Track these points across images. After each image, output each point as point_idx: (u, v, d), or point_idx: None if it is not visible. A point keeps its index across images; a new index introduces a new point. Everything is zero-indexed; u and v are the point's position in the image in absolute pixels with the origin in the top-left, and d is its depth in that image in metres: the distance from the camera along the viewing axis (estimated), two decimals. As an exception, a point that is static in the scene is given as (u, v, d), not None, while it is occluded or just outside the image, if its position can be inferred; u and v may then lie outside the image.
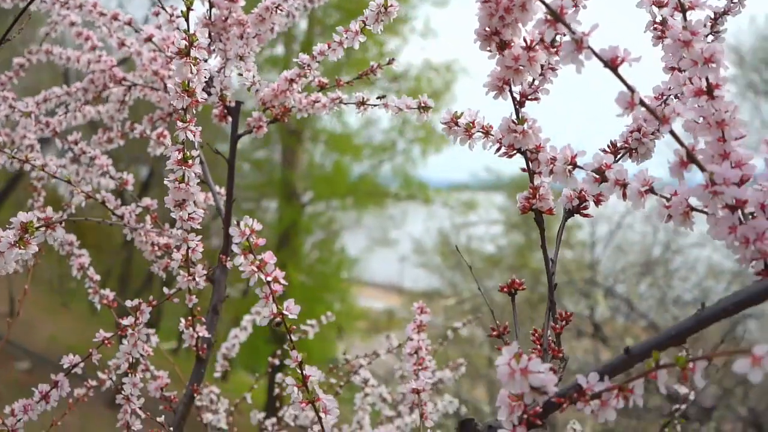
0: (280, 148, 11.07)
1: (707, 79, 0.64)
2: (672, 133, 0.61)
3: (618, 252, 7.68)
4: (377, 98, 1.08)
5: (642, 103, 0.60)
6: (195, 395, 1.16)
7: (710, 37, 0.85)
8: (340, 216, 11.43)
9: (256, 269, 0.75)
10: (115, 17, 1.23)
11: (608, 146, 0.83)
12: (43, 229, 0.80)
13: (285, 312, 0.76)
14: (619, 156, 0.83)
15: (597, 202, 0.81)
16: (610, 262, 7.66)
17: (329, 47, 1.06)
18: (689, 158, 0.62)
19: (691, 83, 0.65)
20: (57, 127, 1.45)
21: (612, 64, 0.61)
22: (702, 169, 0.61)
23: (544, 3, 0.63)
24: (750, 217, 0.63)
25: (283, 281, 0.75)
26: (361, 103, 1.11)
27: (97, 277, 1.26)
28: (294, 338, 0.79)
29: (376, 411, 1.58)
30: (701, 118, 0.66)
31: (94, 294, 1.24)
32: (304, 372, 0.78)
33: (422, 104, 1.03)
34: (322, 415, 0.78)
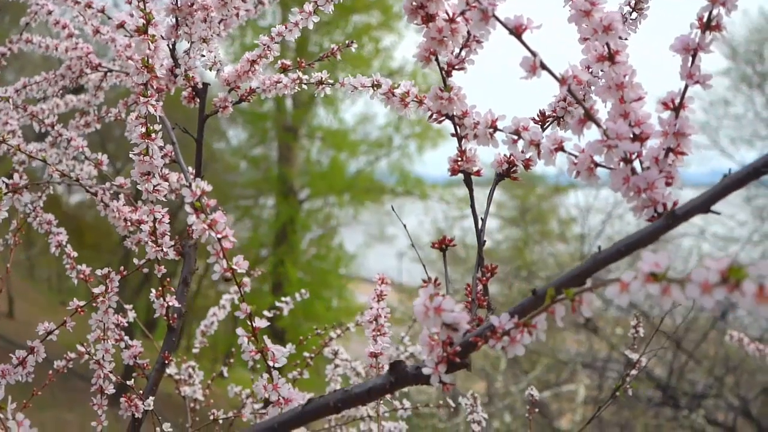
0: (277, 145, 11.13)
1: (608, 45, 0.71)
2: (571, 93, 0.67)
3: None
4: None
5: (543, 66, 0.66)
6: (166, 362, 1.22)
7: (634, 14, 0.91)
8: (337, 212, 11.50)
9: (207, 227, 0.81)
10: (88, 5, 1.29)
11: (537, 115, 0.89)
12: (10, 194, 0.86)
13: (235, 267, 0.82)
14: (547, 124, 0.89)
15: (526, 167, 0.87)
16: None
17: (286, 28, 1.13)
18: (587, 116, 0.68)
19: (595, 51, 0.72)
20: (40, 114, 1.51)
21: (516, 31, 0.67)
22: (598, 125, 0.68)
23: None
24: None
25: (233, 239, 0.81)
26: (320, 83, 1.17)
27: (75, 254, 1.32)
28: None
29: (349, 384, 1.64)
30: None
31: (71, 270, 1.30)
32: (254, 324, 0.84)
33: (375, 83, 1.08)
34: (270, 363, 0.84)
